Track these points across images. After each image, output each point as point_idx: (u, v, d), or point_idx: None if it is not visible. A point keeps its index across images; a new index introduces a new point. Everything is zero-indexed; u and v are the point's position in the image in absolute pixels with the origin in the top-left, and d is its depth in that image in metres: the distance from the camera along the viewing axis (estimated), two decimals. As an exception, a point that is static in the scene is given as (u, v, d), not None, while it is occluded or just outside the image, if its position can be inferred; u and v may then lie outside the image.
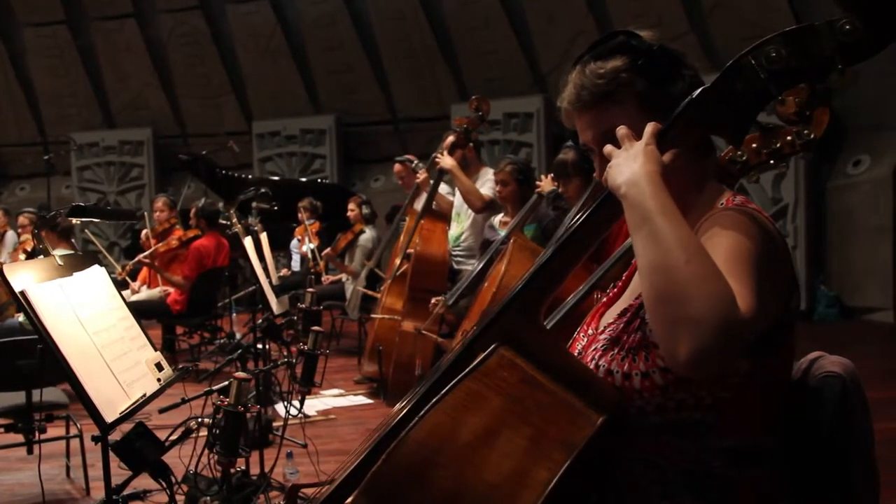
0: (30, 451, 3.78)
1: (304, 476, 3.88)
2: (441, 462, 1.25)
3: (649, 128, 1.36)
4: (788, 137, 1.62)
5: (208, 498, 2.68)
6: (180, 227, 7.40)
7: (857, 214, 8.29)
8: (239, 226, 4.51)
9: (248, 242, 4.31)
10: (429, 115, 10.63)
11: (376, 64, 11.15)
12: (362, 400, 5.74)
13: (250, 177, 10.51)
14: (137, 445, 2.12)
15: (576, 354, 1.54)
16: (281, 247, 8.87)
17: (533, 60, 10.27)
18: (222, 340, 7.00)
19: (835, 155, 8.52)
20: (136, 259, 7.23)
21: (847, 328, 7.96)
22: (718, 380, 1.36)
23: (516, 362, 1.33)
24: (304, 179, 11.05)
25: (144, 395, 2.38)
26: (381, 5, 10.84)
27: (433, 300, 4.84)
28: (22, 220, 7.43)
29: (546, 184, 4.32)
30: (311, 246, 7.60)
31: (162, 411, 2.49)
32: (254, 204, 5.91)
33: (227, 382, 2.35)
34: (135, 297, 6.83)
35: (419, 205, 5.79)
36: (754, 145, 1.66)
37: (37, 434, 3.74)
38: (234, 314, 7.11)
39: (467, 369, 1.33)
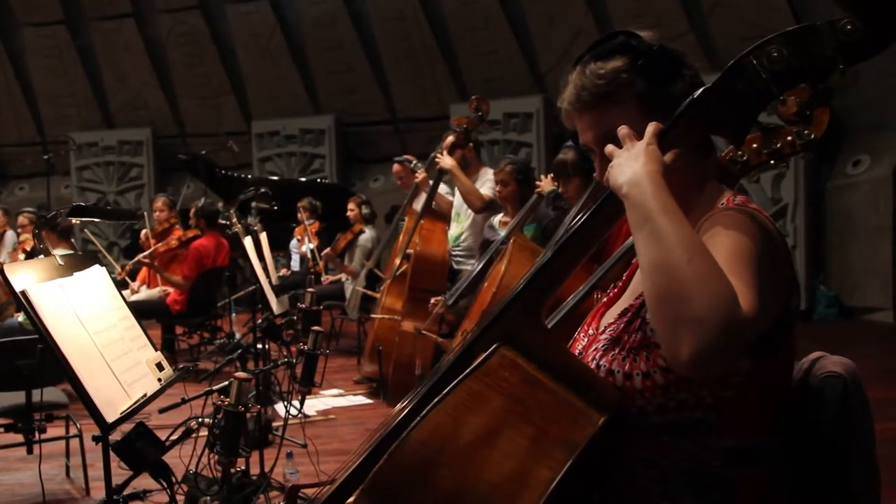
0: (30, 451, 3.78)
1: (304, 476, 3.88)
2: (443, 462, 1.25)
3: (651, 127, 1.36)
4: (789, 137, 1.62)
5: (208, 498, 2.68)
6: (180, 226, 7.40)
7: (856, 214, 8.29)
8: (239, 226, 4.50)
9: (247, 242, 4.31)
10: (428, 115, 10.63)
11: (376, 64, 11.15)
12: (362, 400, 5.74)
13: (250, 177, 10.51)
14: (138, 445, 2.12)
15: (576, 354, 1.54)
16: (280, 247, 8.87)
17: (533, 60, 10.27)
18: (222, 340, 7.00)
19: (835, 155, 8.52)
20: (136, 259, 7.22)
21: (847, 328, 7.96)
22: (719, 379, 1.36)
23: (517, 362, 1.33)
24: (303, 179, 11.05)
25: (145, 395, 2.39)
26: (381, 5, 10.84)
27: (433, 300, 4.83)
28: (21, 219, 7.43)
29: (546, 184, 4.32)
30: (311, 246, 7.60)
31: (162, 411, 2.49)
32: (253, 204, 5.91)
33: (227, 382, 2.35)
34: (134, 297, 6.83)
35: (418, 205, 5.79)
36: (755, 145, 1.66)
37: (37, 434, 3.73)
38: (234, 314, 7.11)
39: (468, 369, 1.33)
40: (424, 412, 1.29)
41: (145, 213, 7.99)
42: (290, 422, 3.64)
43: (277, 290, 4.71)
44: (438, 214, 5.51)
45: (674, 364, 1.22)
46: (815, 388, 1.51)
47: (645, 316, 1.43)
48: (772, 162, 1.67)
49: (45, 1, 11.96)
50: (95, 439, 2.24)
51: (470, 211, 5.45)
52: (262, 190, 5.69)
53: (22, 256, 6.78)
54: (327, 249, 7.42)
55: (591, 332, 1.60)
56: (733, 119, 1.34)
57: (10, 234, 8.73)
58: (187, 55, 11.93)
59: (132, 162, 12.31)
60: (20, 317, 5.77)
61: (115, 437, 2.23)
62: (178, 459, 2.39)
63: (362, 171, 11.63)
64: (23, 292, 2.17)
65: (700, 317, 1.16)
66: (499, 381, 1.31)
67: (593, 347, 1.51)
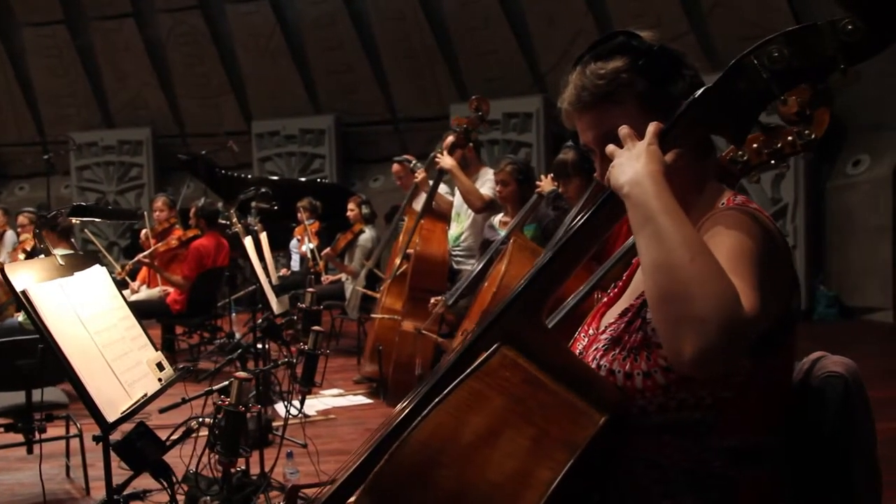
0: (30, 451, 3.77)
1: (305, 476, 3.88)
2: (444, 462, 1.25)
3: (652, 127, 1.36)
4: (789, 137, 1.62)
5: (208, 497, 2.68)
6: (180, 226, 7.40)
7: (856, 214, 8.29)
8: (239, 225, 4.50)
9: (248, 242, 4.31)
10: (428, 115, 10.63)
11: (376, 64, 11.15)
12: (362, 400, 5.75)
13: (250, 177, 10.51)
14: (138, 445, 2.12)
15: (577, 354, 1.54)
16: (280, 247, 8.87)
17: (533, 60, 10.27)
18: (222, 340, 7.00)
19: (835, 155, 8.53)
20: (136, 259, 7.22)
21: (846, 328, 7.97)
22: (720, 379, 1.36)
23: (518, 362, 1.33)
24: (303, 179, 11.06)
25: (146, 394, 2.39)
26: (381, 5, 10.84)
27: (432, 300, 4.83)
28: (21, 219, 7.42)
29: (546, 184, 4.32)
30: (311, 246, 7.61)
31: (162, 411, 2.49)
32: (253, 204, 5.91)
33: (227, 382, 2.35)
34: (134, 297, 6.83)
35: (418, 205, 5.79)
36: (755, 145, 1.66)
37: (37, 434, 3.73)
38: (234, 314, 7.11)
39: (469, 369, 1.33)
40: (425, 412, 1.28)
41: (145, 213, 7.99)
42: (290, 422, 3.64)
43: (277, 290, 4.71)
44: (438, 214, 5.51)
45: (676, 364, 1.21)
46: (816, 387, 1.51)
47: (645, 316, 1.43)
48: (772, 162, 1.67)
49: (44, 1, 11.96)
50: (96, 439, 2.24)
51: (470, 211, 5.45)
52: (263, 190, 5.69)
53: (22, 256, 6.77)
54: (327, 249, 7.42)
55: (591, 332, 1.60)
56: (734, 119, 1.34)
57: (9, 234, 8.73)
58: (187, 55, 11.93)
59: (132, 162, 12.31)
60: (20, 317, 5.77)
61: (116, 436, 2.23)
62: (179, 459, 2.39)
63: (362, 171, 11.63)
64: (23, 292, 2.17)
65: (703, 316, 1.16)
66: (500, 381, 1.31)
67: (594, 347, 1.51)
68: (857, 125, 8.26)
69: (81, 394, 2.16)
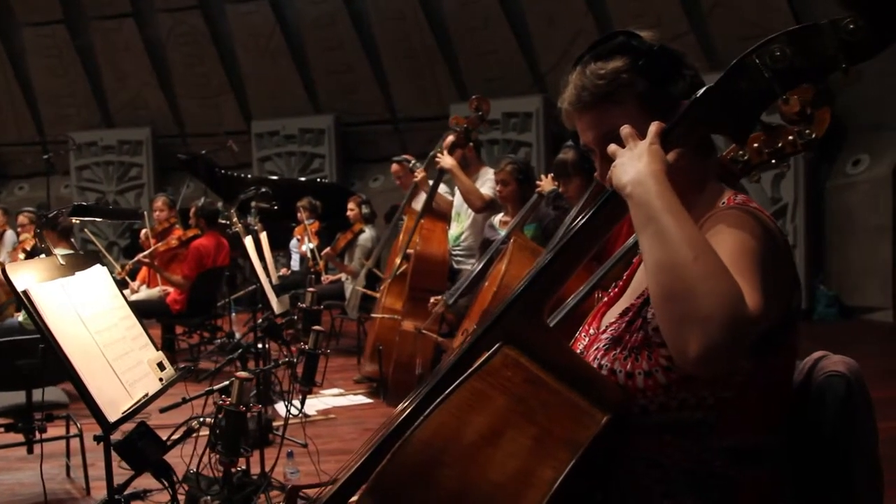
0: (30, 451, 3.77)
1: (305, 475, 3.88)
2: (446, 461, 1.25)
3: (654, 127, 1.36)
4: (790, 137, 1.62)
5: (209, 497, 2.68)
6: (180, 226, 7.40)
7: (856, 214, 8.30)
8: (239, 225, 4.50)
9: (248, 242, 4.31)
10: (428, 114, 10.63)
11: (376, 64, 11.15)
12: (362, 399, 5.75)
13: (249, 176, 10.51)
14: (140, 445, 2.12)
15: (578, 354, 1.54)
16: (280, 246, 8.87)
17: (532, 60, 10.27)
18: (222, 340, 7.00)
19: (834, 154, 8.53)
20: (136, 259, 7.22)
21: (846, 328, 7.97)
22: (721, 379, 1.36)
23: (520, 361, 1.33)
24: (303, 179, 11.06)
25: (147, 394, 2.39)
26: (381, 5, 10.84)
27: (432, 299, 4.83)
28: (21, 219, 7.42)
29: (546, 183, 4.32)
30: (311, 245, 7.61)
31: (163, 411, 2.49)
32: (253, 203, 5.91)
33: (228, 382, 2.35)
34: (134, 297, 6.83)
35: (417, 204, 5.79)
36: (756, 144, 1.66)
37: (37, 434, 3.73)
38: (234, 314, 7.11)
39: (471, 368, 1.33)
40: (427, 412, 1.28)
41: (145, 213, 7.99)
42: (290, 421, 3.64)
43: (277, 290, 4.71)
44: (439, 214, 5.51)
45: (681, 362, 1.21)
46: (818, 387, 1.51)
47: (646, 315, 1.43)
48: (773, 161, 1.67)
49: (44, 1, 11.96)
50: (97, 439, 2.24)
51: (470, 210, 5.45)
52: (263, 189, 5.69)
53: (22, 256, 6.78)
54: (327, 249, 7.43)
55: (591, 331, 1.60)
56: (736, 118, 1.34)
57: (9, 234, 8.73)
58: (187, 55, 11.93)
59: (132, 162, 12.31)
60: (20, 316, 5.77)
61: (117, 436, 2.23)
62: (179, 459, 2.39)
63: (362, 171, 11.63)
64: (24, 292, 2.17)
65: (707, 315, 1.16)
66: (502, 380, 1.31)
67: (594, 347, 1.50)
68: (857, 125, 8.26)
69: (83, 393, 2.16)
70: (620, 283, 1.68)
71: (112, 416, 2.20)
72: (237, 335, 6.56)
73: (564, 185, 3.91)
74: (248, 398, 2.32)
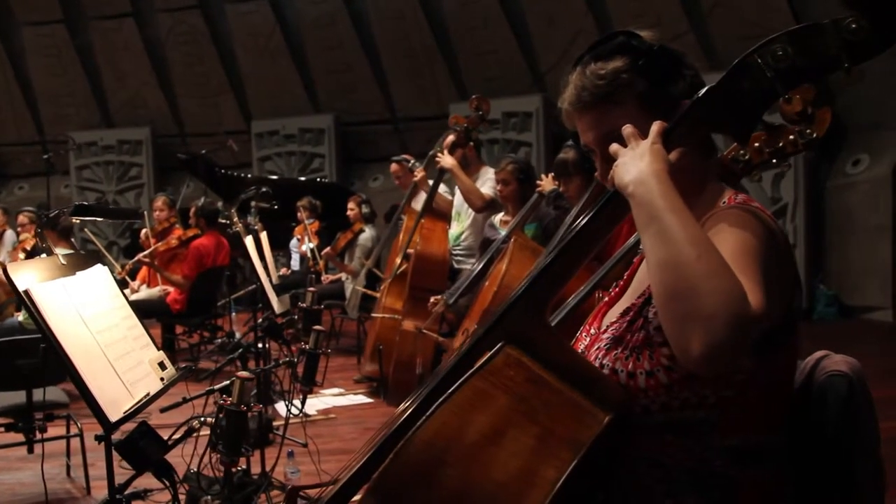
0: (30, 451, 3.78)
1: (305, 475, 3.88)
2: (448, 461, 1.25)
3: (656, 126, 1.36)
4: (791, 136, 1.63)
5: (209, 497, 2.68)
6: (180, 226, 7.40)
7: (856, 214, 8.30)
8: (240, 225, 4.50)
9: (248, 241, 4.31)
10: (428, 114, 10.63)
11: (375, 63, 11.15)
12: (362, 399, 5.75)
13: (249, 176, 10.51)
14: (141, 444, 2.12)
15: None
16: (280, 246, 8.87)
17: (532, 60, 10.27)
18: (222, 340, 7.00)
19: (834, 154, 8.53)
20: (136, 258, 7.23)
21: (846, 327, 7.97)
22: (723, 378, 1.36)
23: (522, 361, 1.33)
24: (303, 179, 11.06)
25: (148, 394, 2.39)
26: (381, 5, 10.84)
27: (432, 299, 4.83)
28: (21, 218, 7.42)
29: (547, 183, 4.32)
30: (311, 245, 7.61)
31: (163, 410, 2.49)
32: (253, 203, 5.91)
33: (228, 381, 2.35)
34: (134, 297, 6.83)
35: (417, 204, 5.79)
36: (757, 144, 1.66)
37: (37, 433, 3.73)
38: (234, 313, 7.11)
39: (473, 368, 1.33)
40: (430, 411, 1.28)
41: (145, 213, 7.99)
42: (290, 421, 3.64)
43: (278, 290, 4.71)
44: (439, 213, 5.51)
45: (684, 360, 1.21)
46: (820, 387, 1.51)
47: (647, 315, 1.43)
48: (774, 161, 1.67)
49: (44, 0, 11.95)
50: (98, 438, 2.24)
51: (470, 210, 5.45)
52: (264, 189, 5.69)
53: (22, 256, 6.78)
54: (327, 249, 7.43)
55: (592, 331, 1.60)
56: (738, 118, 1.34)
57: (9, 234, 8.73)
58: (187, 54, 11.93)
59: (131, 161, 12.31)
60: (20, 316, 5.77)
61: (117, 436, 2.23)
62: (179, 459, 2.39)
63: (362, 171, 11.63)
64: (26, 291, 2.17)
65: (710, 313, 1.16)
66: (504, 380, 1.31)
67: (595, 347, 1.51)
68: (857, 125, 8.26)
69: (84, 393, 2.16)
70: (621, 282, 1.68)
71: (113, 416, 2.19)
72: (237, 335, 6.56)
73: (565, 185, 3.91)
74: (249, 398, 2.32)
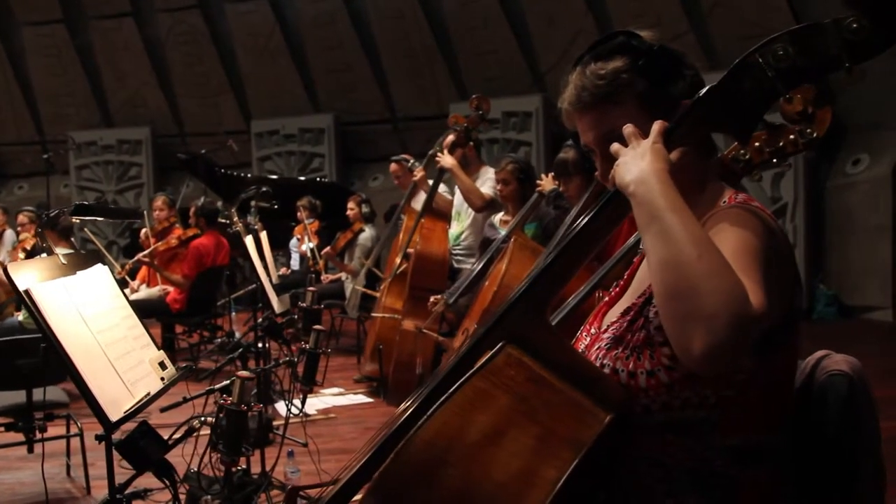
0: (30, 451, 3.77)
1: (306, 475, 3.88)
2: (449, 461, 1.25)
3: (657, 126, 1.36)
4: (791, 136, 1.62)
5: (209, 497, 2.68)
6: (180, 225, 7.40)
7: (856, 213, 8.30)
8: (240, 224, 4.50)
9: (249, 241, 4.31)
10: (428, 114, 10.63)
11: (375, 63, 11.15)
12: (362, 399, 5.75)
13: (249, 176, 10.51)
14: (141, 444, 2.12)
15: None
16: (280, 246, 8.87)
17: (532, 60, 10.27)
18: (222, 339, 7.00)
19: (834, 154, 8.53)
20: (136, 258, 7.23)
21: (846, 327, 7.97)
22: (723, 378, 1.36)
23: (523, 361, 1.33)
24: (302, 178, 11.06)
25: (148, 393, 2.39)
26: (381, 4, 10.84)
27: (432, 298, 4.83)
28: (21, 218, 7.42)
29: (547, 183, 4.31)
30: (311, 245, 7.61)
31: (164, 410, 2.49)
32: (253, 202, 5.91)
33: (228, 381, 2.35)
34: (134, 296, 6.83)
35: (416, 203, 5.79)
36: (757, 144, 1.66)
37: (37, 433, 3.73)
38: (234, 313, 7.11)
39: (474, 368, 1.33)
40: (430, 411, 1.28)
41: (145, 212, 8.00)
42: (290, 421, 3.64)
43: (278, 290, 4.71)
44: (439, 213, 5.51)
45: (685, 360, 1.21)
46: (821, 386, 1.51)
47: (648, 314, 1.43)
48: (774, 160, 1.67)
49: (44, 0, 11.95)
50: (99, 438, 2.24)
51: (470, 210, 5.45)
52: (264, 189, 5.69)
53: (22, 255, 6.78)
54: (327, 248, 7.43)
55: (593, 331, 1.59)
56: (739, 117, 1.34)
57: (9, 233, 8.73)
58: (186, 54, 11.93)
59: (131, 161, 12.31)
60: (20, 316, 5.77)
61: (117, 436, 2.23)
62: (180, 458, 2.39)
63: (361, 170, 11.63)
64: (26, 291, 2.17)
65: (711, 313, 1.16)
66: (505, 379, 1.31)
67: (596, 346, 1.50)
68: (857, 125, 8.26)
69: (84, 393, 2.16)
70: (621, 282, 1.68)
71: (114, 416, 2.19)
72: (237, 334, 6.56)
73: (565, 185, 3.91)
74: (250, 397, 2.32)
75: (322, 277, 7.62)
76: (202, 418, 2.36)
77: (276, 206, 6.27)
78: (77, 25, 12.22)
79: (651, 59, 1.45)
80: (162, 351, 2.61)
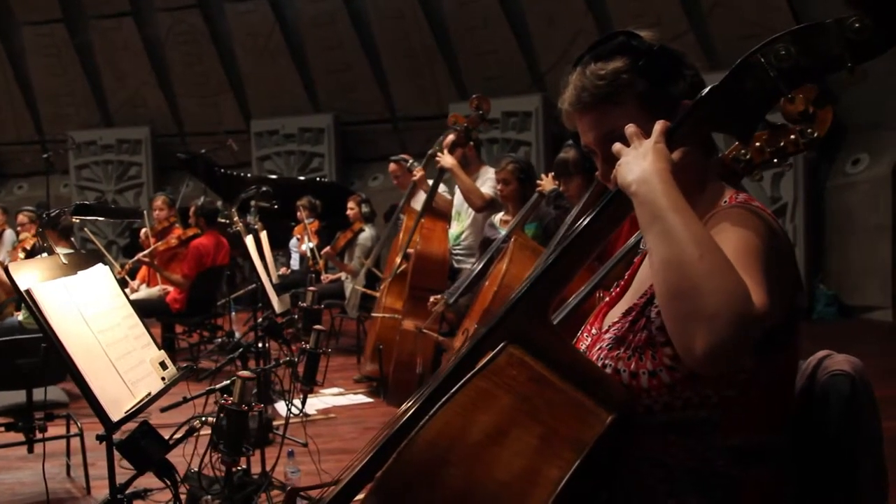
0: (30, 450, 3.77)
1: (306, 475, 3.88)
2: (452, 461, 1.25)
3: (659, 126, 1.36)
4: (792, 136, 1.62)
5: (210, 497, 2.68)
6: (179, 225, 7.40)
7: (856, 213, 8.30)
8: (241, 224, 4.50)
9: (249, 241, 4.30)
10: (427, 114, 10.63)
11: (375, 63, 11.15)
12: (362, 399, 5.75)
13: (249, 175, 10.51)
14: (142, 444, 2.12)
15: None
16: (280, 245, 8.87)
17: (532, 60, 10.27)
18: (222, 339, 7.00)
19: (834, 154, 8.53)
20: (136, 258, 7.23)
21: (846, 327, 7.97)
22: (725, 378, 1.36)
23: (525, 360, 1.33)
24: (302, 178, 11.06)
25: (149, 393, 2.39)
26: (380, 4, 10.84)
27: (432, 298, 4.83)
28: (21, 218, 7.42)
29: (547, 182, 4.31)
30: (311, 245, 7.61)
31: (164, 410, 2.49)
32: (253, 202, 5.91)
33: (228, 381, 2.35)
34: (134, 296, 6.82)
35: (416, 203, 5.79)
36: (758, 144, 1.66)
37: (37, 433, 3.73)
38: (234, 313, 7.11)
39: (476, 367, 1.33)
40: (433, 411, 1.28)
41: (145, 212, 8.00)
42: (290, 421, 3.64)
43: (278, 290, 4.71)
44: (439, 213, 5.50)
45: (687, 360, 1.21)
46: (822, 386, 1.51)
47: (650, 315, 1.43)
48: (775, 160, 1.67)
49: (43, 0, 11.95)
50: (100, 438, 2.24)
51: (470, 210, 5.45)
52: (264, 188, 5.69)
53: (21, 255, 6.78)
54: (327, 248, 7.43)
55: (594, 331, 1.59)
56: (741, 117, 1.34)
57: (9, 233, 8.73)
58: (186, 54, 11.92)
59: (131, 161, 12.31)
60: (20, 315, 5.77)
61: (118, 435, 2.23)
62: (180, 458, 2.39)
63: (361, 170, 11.63)
64: (27, 291, 2.17)
65: (714, 312, 1.16)
66: (507, 379, 1.31)
67: (597, 347, 1.50)
68: (857, 124, 8.27)
69: (86, 393, 2.16)
70: (622, 282, 1.68)
71: (115, 416, 2.19)
72: (237, 334, 6.56)
73: (565, 185, 3.91)
74: (250, 397, 2.32)
75: (322, 277, 7.62)
76: (203, 418, 2.36)
77: (276, 206, 6.27)
78: (77, 25, 12.21)
79: (651, 60, 1.45)
80: (163, 351, 2.61)
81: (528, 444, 1.25)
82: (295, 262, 8.65)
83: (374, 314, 5.66)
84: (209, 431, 2.31)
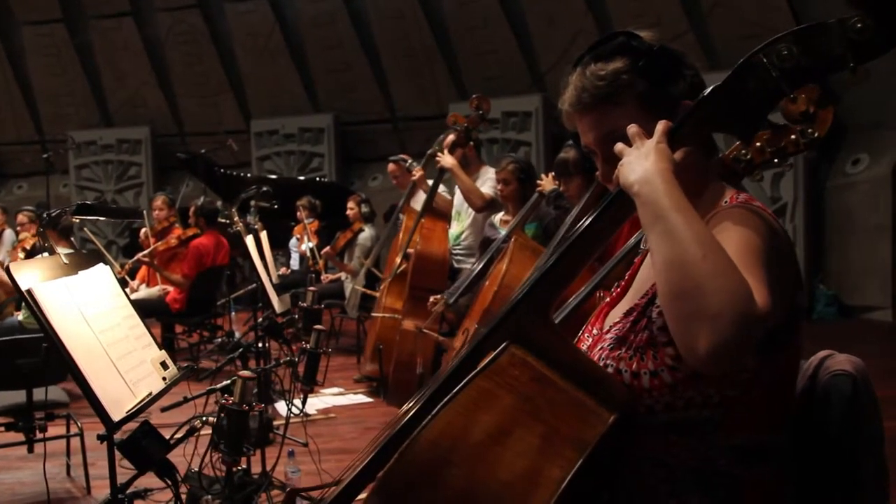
0: (30, 450, 3.77)
1: (306, 475, 3.87)
2: (454, 461, 1.25)
3: (661, 126, 1.36)
4: (793, 136, 1.62)
5: (210, 496, 2.68)
6: (179, 225, 7.40)
7: (856, 213, 8.30)
8: (241, 224, 4.50)
9: (249, 241, 4.30)
10: (427, 113, 10.63)
11: (375, 63, 11.15)
12: (362, 399, 5.75)
13: (249, 175, 10.51)
14: (143, 444, 2.12)
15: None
16: (280, 245, 8.87)
17: (532, 60, 10.27)
18: (221, 339, 7.00)
19: (834, 154, 8.54)
20: (136, 258, 7.23)
21: (846, 327, 7.97)
22: (727, 377, 1.36)
23: (527, 360, 1.33)
24: (302, 178, 11.06)
25: (150, 393, 2.38)
26: (380, 4, 10.84)
27: (432, 298, 4.83)
28: (21, 218, 7.42)
29: (547, 183, 4.31)
30: (311, 244, 7.61)
31: (165, 410, 2.49)
32: (253, 202, 5.91)
33: (228, 381, 2.35)
34: (134, 296, 6.82)
35: (415, 203, 5.79)
36: (759, 144, 1.66)
37: (38, 433, 3.73)
38: (234, 313, 7.10)
39: (478, 368, 1.33)
40: (434, 411, 1.28)
41: (145, 212, 8.00)
42: (291, 420, 3.64)
43: (278, 289, 4.71)
44: (439, 213, 5.50)
45: (690, 359, 1.21)
46: (824, 386, 1.51)
47: (651, 315, 1.43)
48: (776, 160, 1.67)
49: (43, 0, 11.95)
50: (101, 438, 2.24)
51: (470, 210, 5.45)
52: (264, 188, 5.69)
53: (21, 255, 6.78)
54: (327, 248, 7.43)
55: (595, 332, 1.59)
56: (743, 117, 1.34)
57: (8, 233, 8.73)
58: (186, 54, 11.93)
59: (131, 161, 12.31)
60: (20, 315, 5.77)
61: (118, 435, 2.23)
62: (180, 458, 2.39)
63: (361, 170, 11.63)
64: (28, 291, 2.17)
65: (716, 312, 1.16)
66: (509, 379, 1.31)
67: (598, 347, 1.50)
68: (857, 124, 8.27)
69: (87, 393, 2.16)
70: (622, 283, 1.68)
71: (116, 416, 2.19)
72: (237, 334, 6.55)
73: (565, 185, 3.91)
74: (251, 397, 2.32)
75: (322, 277, 7.62)
76: (203, 418, 2.36)
77: (275, 206, 6.27)
78: (77, 25, 12.21)
79: (651, 60, 1.45)
80: (163, 351, 2.61)
81: (530, 444, 1.25)
82: (295, 262, 8.65)
83: (374, 314, 5.66)
84: (210, 431, 2.31)
